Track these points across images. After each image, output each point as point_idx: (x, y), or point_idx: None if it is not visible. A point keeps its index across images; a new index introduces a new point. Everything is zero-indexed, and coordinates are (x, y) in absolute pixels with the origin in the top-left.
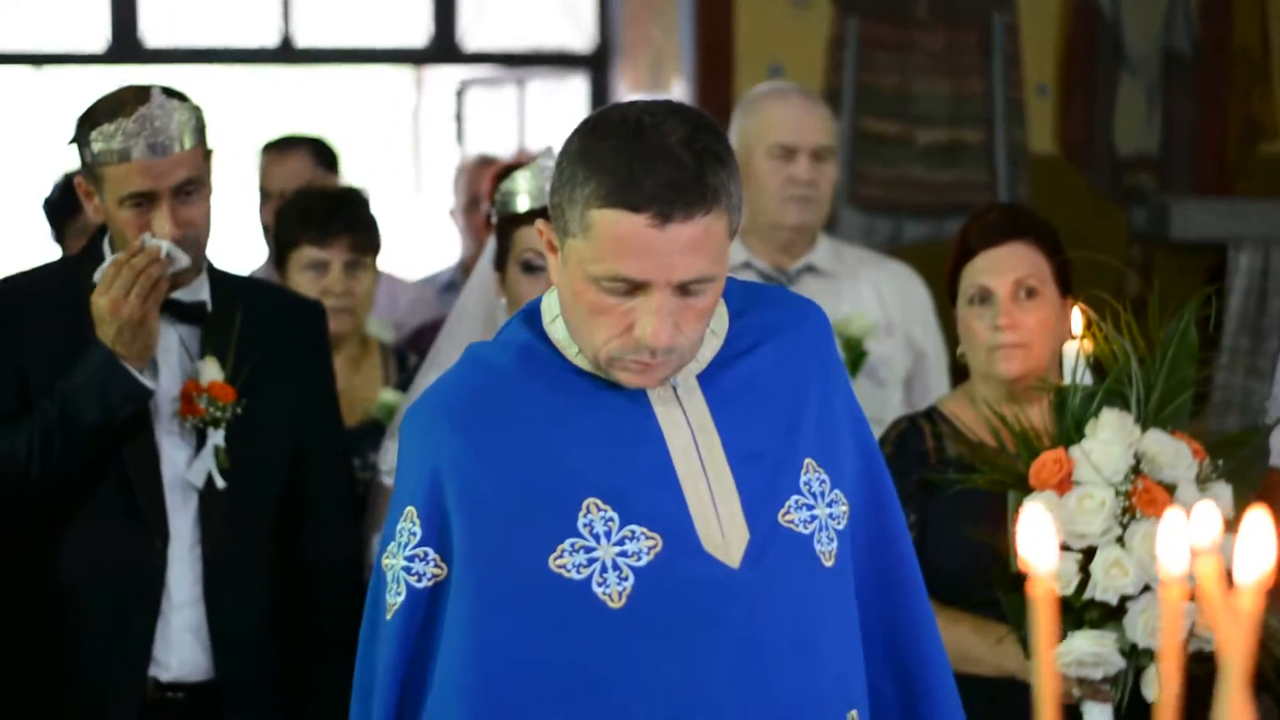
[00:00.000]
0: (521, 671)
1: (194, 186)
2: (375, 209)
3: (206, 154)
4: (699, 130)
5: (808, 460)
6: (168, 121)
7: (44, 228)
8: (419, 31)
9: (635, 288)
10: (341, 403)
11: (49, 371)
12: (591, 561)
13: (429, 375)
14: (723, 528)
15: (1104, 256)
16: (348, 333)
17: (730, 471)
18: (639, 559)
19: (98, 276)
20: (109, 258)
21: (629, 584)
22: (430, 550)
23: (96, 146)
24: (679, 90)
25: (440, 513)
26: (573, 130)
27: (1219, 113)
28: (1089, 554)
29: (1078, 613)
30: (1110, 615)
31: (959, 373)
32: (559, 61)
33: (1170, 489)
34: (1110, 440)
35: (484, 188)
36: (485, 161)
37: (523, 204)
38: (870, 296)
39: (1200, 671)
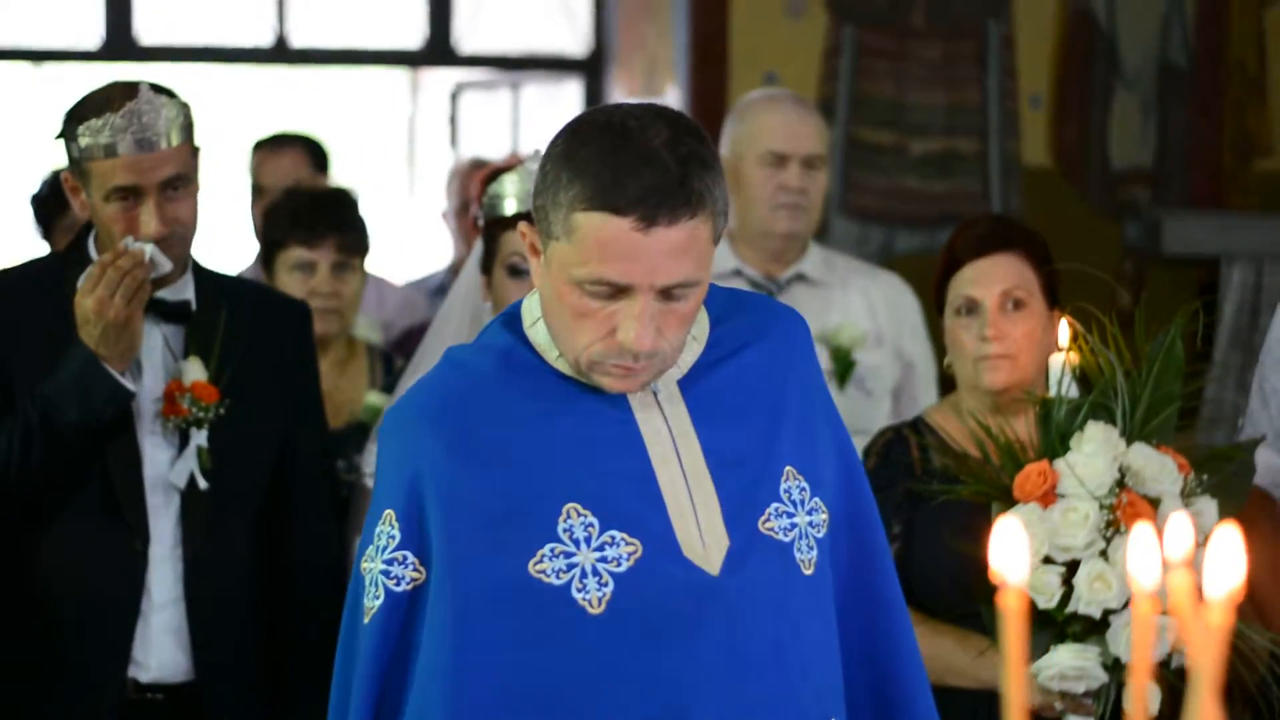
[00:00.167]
0: (500, 676)
1: (181, 183)
2: (366, 211)
3: (194, 151)
4: (683, 134)
5: (788, 468)
6: (155, 117)
7: (33, 224)
8: (414, 33)
9: (618, 291)
10: (327, 404)
11: (31, 369)
12: (571, 567)
13: (413, 378)
14: (702, 534)
15: (1092, 269)
16: (334, 334)
17: (710, 478)
18: (619, 564)
19: (82, 281)
20: (94, 255)
21: (609, 589)
22: (409, 554)
23: (84, 141)
24: (673, 96)
25: (419, 516)
26: (557, 133)
27: (1214, 127)
28: (1072, 567)
29: (1061, 626)
30: (1093, 629)
31: (948, 384)
32: (554, 66)
33: (1155, 503)
34: (1095, 453)
35: (475, 191)
36: (479, 165)
37: (510, 207)
38: (860, 307)
39: (1183, 686)
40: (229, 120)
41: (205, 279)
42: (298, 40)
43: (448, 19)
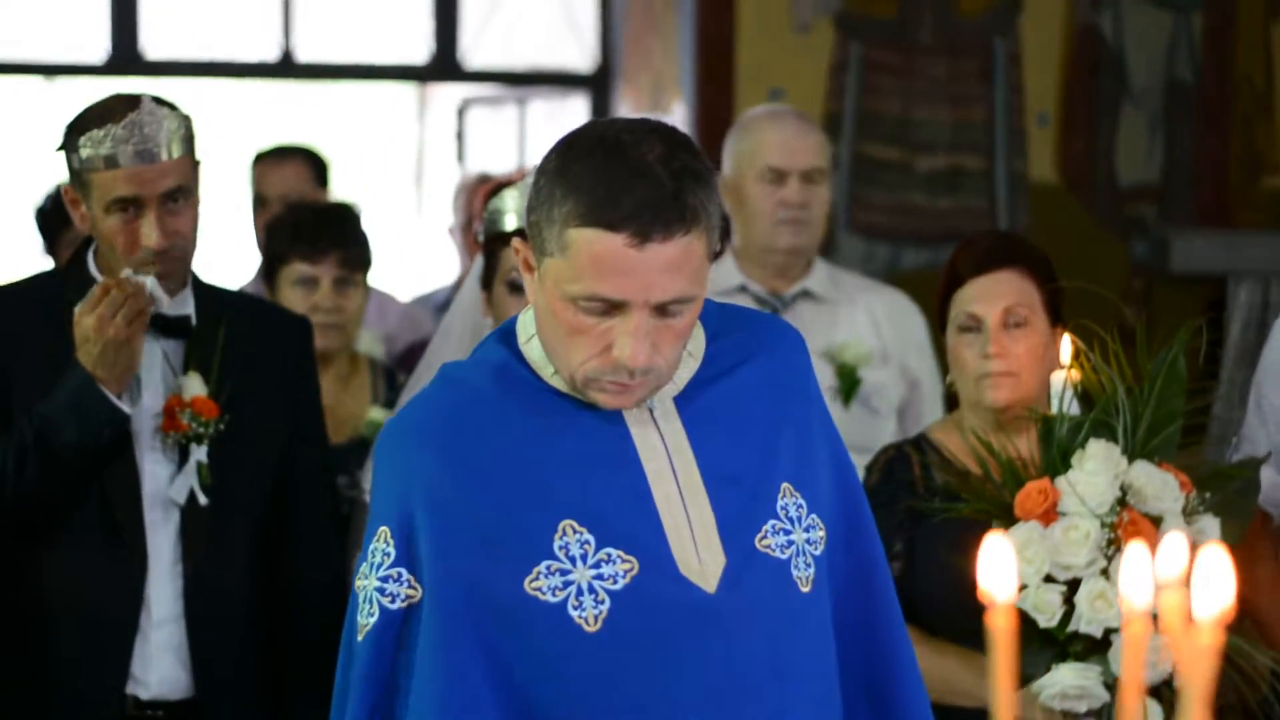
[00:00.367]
0: (496, 695)
1: (182, 195)
2: (371, 226)
3: (195, 164)
4: (677, 148)
5: (785, 485)
6: (157, 129)
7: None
8: (420, 49)
9: (613, 308)
10: (330, 420)
11: (30, 384)
12: (567, 584)
13: (413, 394)
14: (699, 552)
15: (1095, 287)
16: (337, 349)
17: (706, 495)
18: (615, 582)
19: (82, 301)
20: (93, 270)
21: (605, 607)
22: (404, 571)
23: (85, 152)
24: (680, 112)
25: (414, 534)
26: (551, 148)
27: (1221, 144)
28: (1073, 586)
29: (1062, 645)
30: (1095, 648)
31: (953, 402)
32: (560, 81)
33: (1157, 521)
34: (1096, 471)
35: (478, 206)
36: (484, 180)
37: (510, 223)
38: (866, 324)
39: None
40: (235, 135)
41: (205, 294)
42: (304, 55)
43: (454, 34)
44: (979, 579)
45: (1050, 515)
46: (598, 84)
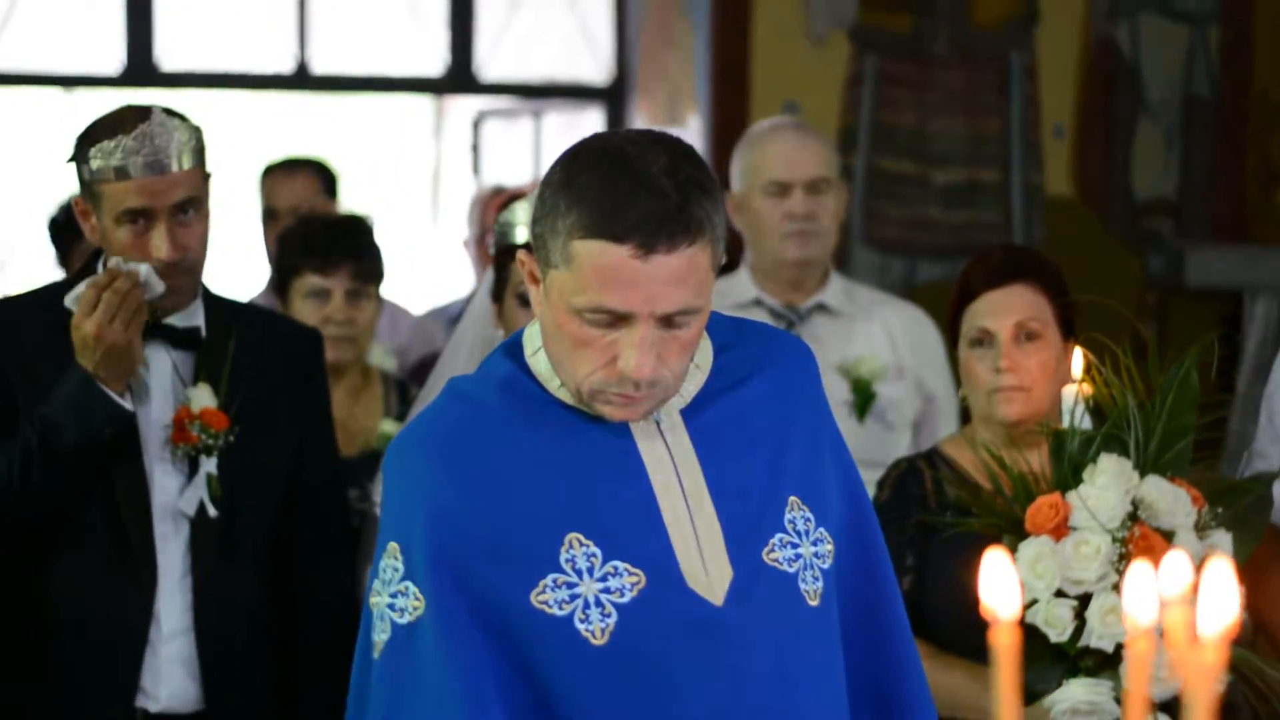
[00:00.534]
0: (503, 708)
1: (192, 207)
2: (385, 238)
3: (205, 176)
4: (681, 160)
5: (792, 498)
6: (167, 140)
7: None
8: (436, 61)
9: (618, 319)
10: (342, 433)
11: (36, 397)
12: (574, 598)
13: (423, 407)
14: (706, 565)
15: (1107, 301)
16: (349, 362)
17: (714, 508)
18: (622, 595)
19: (69, 301)
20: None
21: (612, 621)
22: (411, 584)
23: (95, 163)
24: (695, 125)
25: (422, 548)
26: (555, 160)
27: (1238, 157)
28: (1085, 600)
29: (1073, 660)
30: (1106, 663)
31: (969, 417)
32: (576, 94)
33: (1169, 536)
34: (1108, 486)
35: (491, 219)
36: (499, 193)
37: (521, 235)
38: (881, 337)
39: None
40: (250, 147)
41: (215, 305)
42: (319, 67)
43: (470, 47)
44: (982, 595)
45: (1061, 530)
46: (613, 96)
